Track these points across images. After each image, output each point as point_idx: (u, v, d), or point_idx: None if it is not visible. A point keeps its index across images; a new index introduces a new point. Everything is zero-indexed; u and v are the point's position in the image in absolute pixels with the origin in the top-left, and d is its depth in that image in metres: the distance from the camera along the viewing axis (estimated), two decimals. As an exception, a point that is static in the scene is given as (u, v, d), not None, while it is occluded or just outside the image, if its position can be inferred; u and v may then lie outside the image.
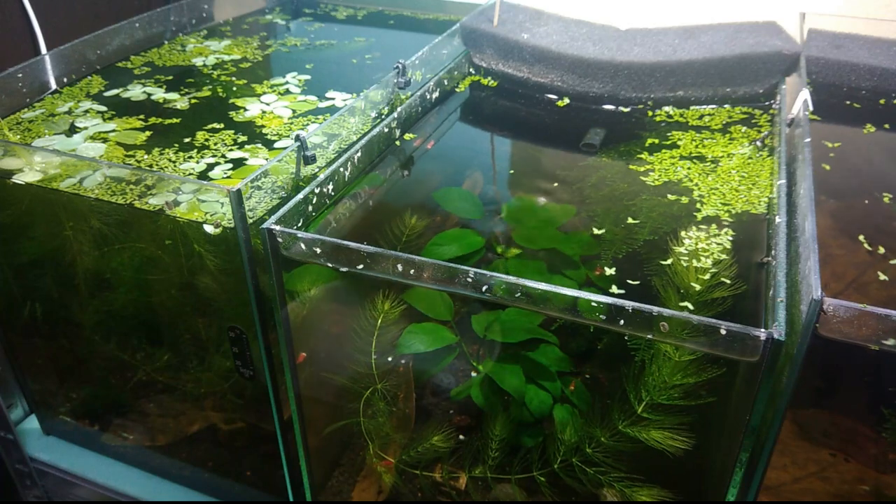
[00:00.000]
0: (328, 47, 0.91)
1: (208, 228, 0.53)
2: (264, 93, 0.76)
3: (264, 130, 0.68)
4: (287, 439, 0.62)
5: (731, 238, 0.51)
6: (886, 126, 0.65)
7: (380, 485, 0.65)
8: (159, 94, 0.76)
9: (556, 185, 0.62)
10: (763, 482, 0.43)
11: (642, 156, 0.64)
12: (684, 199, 0.57)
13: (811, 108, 0.62)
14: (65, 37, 0.80)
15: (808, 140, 0.54)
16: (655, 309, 0.39)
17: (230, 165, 0.61)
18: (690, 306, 0.45)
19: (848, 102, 0.70)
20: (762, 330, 0.37)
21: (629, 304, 0.40)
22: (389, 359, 0.59)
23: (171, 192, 0.56)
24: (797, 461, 0.48)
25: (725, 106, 0.73)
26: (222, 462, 0.76)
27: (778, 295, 0.40)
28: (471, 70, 0.82)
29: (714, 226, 0.53)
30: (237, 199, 0.49)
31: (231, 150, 0.64)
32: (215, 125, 0.69)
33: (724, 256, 0.49)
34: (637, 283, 0.48)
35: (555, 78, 0.77)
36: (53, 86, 0.77)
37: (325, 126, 0.60)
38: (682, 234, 0.52)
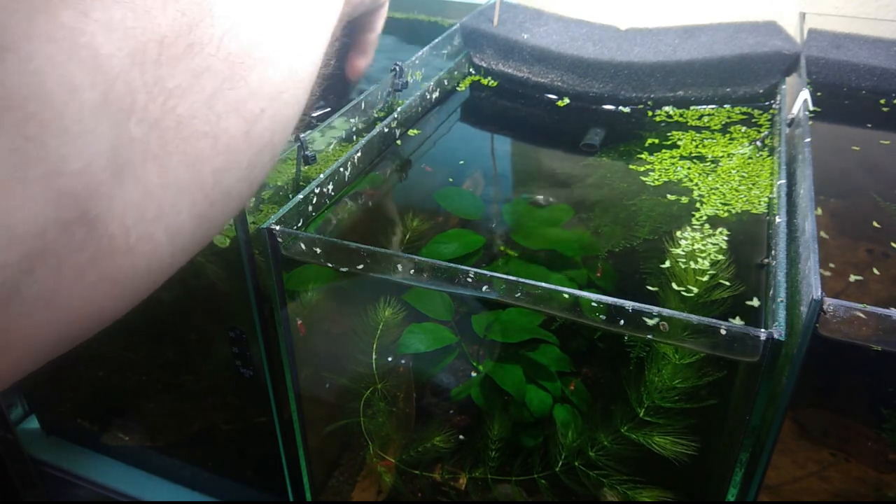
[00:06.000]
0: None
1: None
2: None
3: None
4: (287, 439, 0.62)
5: (727, 237, 0.51)
6: (886, 126, 0.65)
7: (380, 485, 0.65)
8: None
9: (556, 184, 0.62)
10: (763, 482, 0.43)
11: (642, 156, 0.64)
12: (684, 199, 0.57)
13: (811, 107, 0.62)
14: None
15: (809, 140, 0.54)
16: (655, 309, 0.39)
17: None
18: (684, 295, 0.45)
19: (847, 102, 0.70)
20: (762, 330, 0.37)
21: (629, 305, 0.40)
22: (389, 359, 0.59)
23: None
24: (797, 461, 0.48)
25: (725, 106, 0.73)
26: (222, 462, 0.76)
27: (778, 295, 0.40)
28: (471, 70, 0.82)
29: (708, 225, 0.53)
30: (237, 199, 0.49)
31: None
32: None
33: (721, 257, 0.49)
34: (635, 281, 0.48)
35: (555, 78, 0.77)
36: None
37: (324, 127, 0.60)
38: (680, 233, 0.52)
